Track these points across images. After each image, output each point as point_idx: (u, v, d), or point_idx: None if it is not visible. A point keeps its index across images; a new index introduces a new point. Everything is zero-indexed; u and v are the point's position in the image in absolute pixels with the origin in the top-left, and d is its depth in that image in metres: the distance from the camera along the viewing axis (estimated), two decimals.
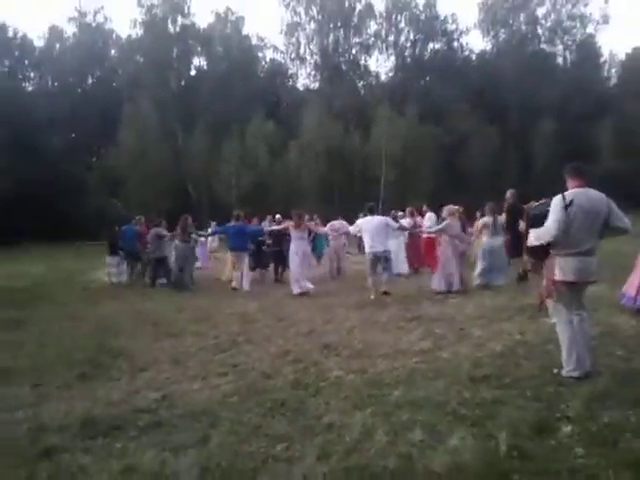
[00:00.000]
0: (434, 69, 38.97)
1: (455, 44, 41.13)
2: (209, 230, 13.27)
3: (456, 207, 8.97)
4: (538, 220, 4.17)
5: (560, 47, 42.57)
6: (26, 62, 40.41)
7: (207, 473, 2.77)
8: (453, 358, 4.66)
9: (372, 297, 8.06)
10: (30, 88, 40.41)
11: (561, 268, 4.01)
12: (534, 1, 41.57)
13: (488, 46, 42.48)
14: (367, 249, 8.32)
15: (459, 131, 34.73)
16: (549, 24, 41.94)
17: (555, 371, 4.12)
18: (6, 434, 3.47)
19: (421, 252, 11.26)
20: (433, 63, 39.32)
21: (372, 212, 8.57)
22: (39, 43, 40.41)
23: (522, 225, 4.59)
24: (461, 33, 40.99)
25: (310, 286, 8.96)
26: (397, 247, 10.75)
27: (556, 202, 3.97)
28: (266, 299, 8.45)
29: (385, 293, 8.09)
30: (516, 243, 9.44)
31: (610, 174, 25.86)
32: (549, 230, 3.96)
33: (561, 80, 38.70)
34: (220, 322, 6.80)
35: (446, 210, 8.79)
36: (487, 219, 8.99)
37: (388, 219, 8.76)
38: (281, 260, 10.12)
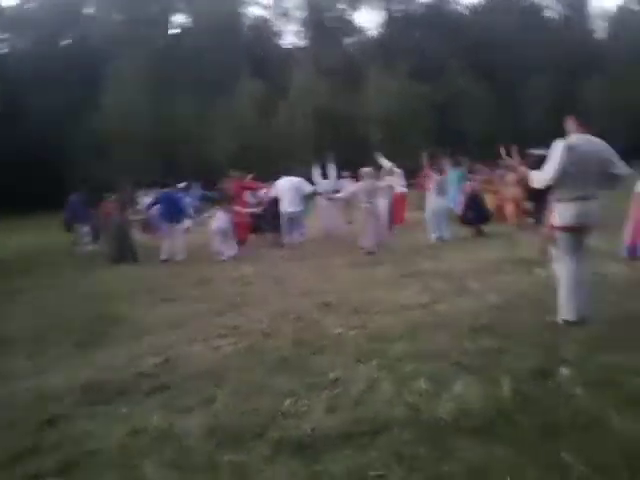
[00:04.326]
0: (425, 25, 37.77)
1: None
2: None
3: (367, 169, 9.10)
4: (538, 164, 4.18)
5: (551, 1, 41.46)
6: None
7: (216, 431, 2.78)
8: (453, 311, 4.68)
9: (285, 256, 8.50)
10: (2, 50, 38.62)
11: (560, 214, 4.02)
12: None
13: (481, 1, 41.16)
14: (282, 209, 8.74)
15: (451, 89, 34.03)
16: None
17: (549, 318, 4.16)
18: (7, 404, 3.45)
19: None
20: (424, 19, 38.08)
21: (289, 174, 9.08)
22: (10, 2, 38.44)
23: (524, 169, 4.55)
24: None
25: (230, 254, 8.99)
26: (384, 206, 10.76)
27: (557, 145, 3.93)
28: (261, 263, 8.39)
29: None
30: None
31: (600, 130, 25.66)
32: (548, 172, 3.96)
33: (552, 36, 37.87)
34: (216, 286, 6.77)
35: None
36: (438, 177, 9.13)
37: (302, 182, 9.01)
38: (277, 224, 9.92)
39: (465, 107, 34.02)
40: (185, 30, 38.81)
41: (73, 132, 33.02)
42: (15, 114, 32.51)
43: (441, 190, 9.12)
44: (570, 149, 3.85)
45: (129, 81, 31.45)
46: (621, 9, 40.01)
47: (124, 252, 9.61)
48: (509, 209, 9.92)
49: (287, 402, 3.08)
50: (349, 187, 10.04)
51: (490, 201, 10.51)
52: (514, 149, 5.00)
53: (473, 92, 34.17)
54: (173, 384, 3.54)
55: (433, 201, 9.19)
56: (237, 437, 2.72)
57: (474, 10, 40.95)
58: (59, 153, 31.46)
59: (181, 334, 4.72)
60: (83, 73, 33.91)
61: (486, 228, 9.56)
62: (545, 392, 2.95)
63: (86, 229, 10.91)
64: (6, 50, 38.48)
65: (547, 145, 4.23)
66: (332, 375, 3.42)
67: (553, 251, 4.20)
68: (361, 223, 8.86)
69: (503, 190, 10.27)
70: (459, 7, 40.83)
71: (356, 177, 10.85)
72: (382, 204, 10.23)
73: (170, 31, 39.03)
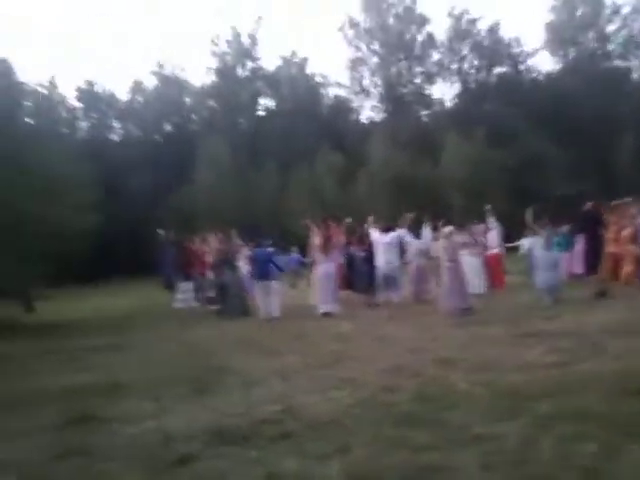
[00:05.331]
0: (500, 93, 38.07)
1: (521, 67, 40.14)
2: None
3: (448, 228, 8.68)
4: None
5: (634, 62, 40.44)
6: (112, 115, 44.02)
7: None
8: (594, 371, 4.16)
9: (384, 316, 8.14)
10: (116, 139, 43.82)
11: None
12: (604, 18, 40.13)
13: (557, 66, 41.12)
14: (378, 264, 8.63)
15: (531, 152, 33.47)
16: (620, 40, 40.17)
17: None
18: (136, 443, 3.44)
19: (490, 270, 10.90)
20: (499, 87, 38.45)
21: (387, 230, 8.99)
22: (124, 97, 44.07)
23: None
24: (527, 55, 40.06)
25: (332, 309, 8.90)
26: (477, 265, 10.27)
27: None
28: (359, 320, 8.17)
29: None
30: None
31: None
32: None
33: (637, 95, 36.70)
34: (316, 341, 6.63)
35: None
36: (544, 231, 8.61)
37: (399, 235, 8.91)
38: (371, 283, 9.61)
39: (545, 170, 33.19)
40: (270, 113, 42.02)
41: (168, 206, 36.06)
42: (122, 192, 36.17)
43: (548, 241, 8.51)
44: None
45: (219, 160, 34.27)
46: None
47: (236, 305, 9.83)
48: (627, 268, 9.02)
49: (428, 457, 2.79)
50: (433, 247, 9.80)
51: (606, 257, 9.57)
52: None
53: (552, 155, 33.43)
54: (298, 431, 3.37)
55: (540, 251, 8.57)
56: None
57: (549, 76, 40.76)
58: (157, 225, 34.17)
59: (293, 385, 4.57)
60: (181, 155, 37.38)
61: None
62: None
63: (187, 285, 11.32)
64: (117, 138, 43.73)
65: None
66: (473, 431, 3.09)
67: None
68: (443, 283, 8.31)
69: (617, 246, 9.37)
70: (534, 74, 40.79)
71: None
72: (468, 263, 9.72)
73: (257, 114, 42.44)
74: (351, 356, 5.61)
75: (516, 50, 39.58)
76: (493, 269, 11.13)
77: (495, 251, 11.30)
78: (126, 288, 23.54)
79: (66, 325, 11.30)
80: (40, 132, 14.14)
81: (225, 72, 39.94)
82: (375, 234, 8.92)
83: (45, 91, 41.64)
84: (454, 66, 39.12)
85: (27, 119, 14.80)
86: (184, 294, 11.27)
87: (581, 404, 3.37)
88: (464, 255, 9.68)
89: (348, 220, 9.99)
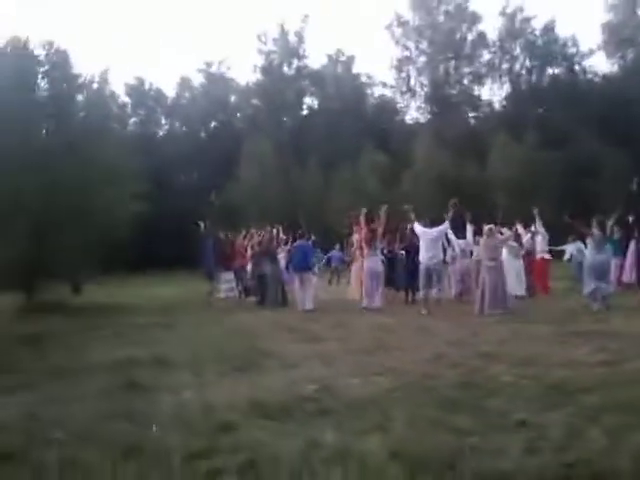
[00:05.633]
0: (553, 95, 36.76)
1: (577, 68, 38.59)
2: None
3: (489, 226, 8.59)
4: None
5: None
6: (159, 111, 45.32)
7: (402, 457, 2.53)
8: None
9: (423, 312, 8.06)
10: (162, 134, 45.13)
11: None
12: None
13: (614, 68, 39.26)
14: (421, 259, 8.47)
15: (585, 156, 32.15)
16: None
17: None
18: (178, 411, 3.53)
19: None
20: (552, 88, 37.14)
21: (432, 225, 8.96)
22: (171, 94, 45.27)
23: None
24: (583, 56, 38.45)
25: (376, 304, 8.84)
26: (518, 266, 9.99)
27: None
28: (399, 315, 8.14)
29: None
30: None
31: None
32: None
33: None
34: (358, 331, 6.65)
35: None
36: (596, 233, 8.23)
37: (444, 230, 8.88)
38: (412, 280, 9.52)
39: (601, 173, 31.78)
40: (314, 112, 42.22)
41: (212, 202, 36.81)
42: (168, 187, 37.20)
43: (599, 245, 8.13)
44: None
45: (263, 158, 34.76)
46: None
47: (275, 296, 10.01)
48: None
49: (472, 439, 2.75)
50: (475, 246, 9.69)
51: None
52: None
53: (608, 158, 31.97)
54: (337, 410, 3.39)
55: (591, 256, 8.20)
56: (426, 465, 2.45)
57: (607, 77, 38.95)
58: (200, 219, 35.06)
59: (333, 369, 4.60)
60: (226, 152, 38.14)
61: None
62: None
63: (229, 275, 11.57)
64: (162, 134, 45.00)
65: None
66: (517, 418, 3.02)
67: None
68: (483, 282, 8.11)
69: None
70: (590, 75, 39.08)
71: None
72: (509, 264, 9.46)
73: (301, 113, 42.73)
74: (391, 345, 5.60)
75: (571, 50, 38.06)
76: (538, 274, 10.80)
77: (541, 256, 10.97)
78: (171, 278, 24.23)
79: (114, 307, 11.75)
80: (93, 126, 14.61)
81: (271, 70, 40.38)
82: (419, 228, 8.79)
83: (96, 85, 43.44)
84: (505, 66, 38.08)
85: (80, 112, 15.32)
86: (227, 284, 11.55)
87: (629, 397, 3.24)
88: (505, 255, 9.49)
89: (364, 210, 9.96)
